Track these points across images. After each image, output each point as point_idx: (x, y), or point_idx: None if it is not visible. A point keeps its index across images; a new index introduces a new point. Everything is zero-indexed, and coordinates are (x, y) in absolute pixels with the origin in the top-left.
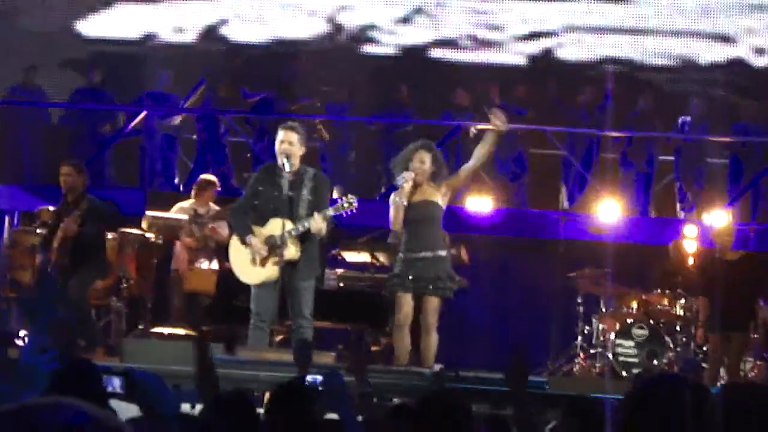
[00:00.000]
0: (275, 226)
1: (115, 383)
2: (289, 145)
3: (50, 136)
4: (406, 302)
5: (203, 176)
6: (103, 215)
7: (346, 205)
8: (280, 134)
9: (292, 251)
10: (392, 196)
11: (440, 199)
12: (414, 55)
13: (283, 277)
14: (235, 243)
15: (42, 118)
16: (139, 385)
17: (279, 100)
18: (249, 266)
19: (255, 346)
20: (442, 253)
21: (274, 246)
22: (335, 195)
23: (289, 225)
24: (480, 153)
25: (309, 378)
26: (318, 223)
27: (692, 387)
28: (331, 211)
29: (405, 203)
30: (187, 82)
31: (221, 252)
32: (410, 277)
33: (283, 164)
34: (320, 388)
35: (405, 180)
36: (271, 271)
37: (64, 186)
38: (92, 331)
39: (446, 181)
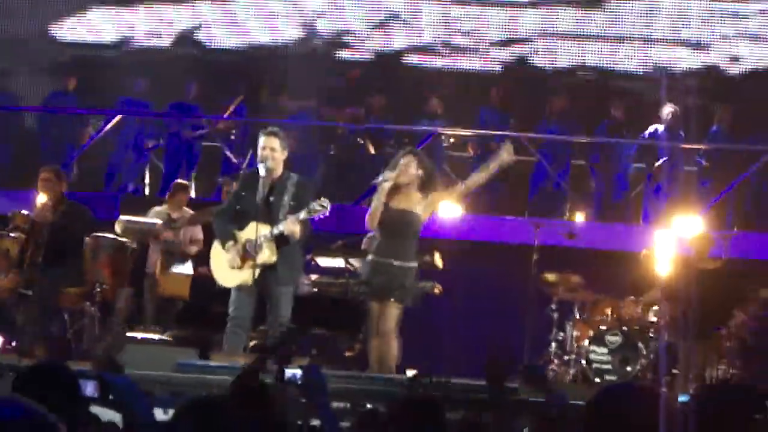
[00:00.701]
0: (252, 231)
1: (89, 388)
2: (270, 150)
3: (22, 140)
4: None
5: (177, 181)
6: (83, 217)
7: (318, 208)
8: (262, 140)
9: (266, 255)
10: (374, 196)
11: (421, 209)
12: (388, 61)
13: (260, 282)
14: (216, 246)
15: (14, 123)
16: (113, 390)
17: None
18: (227, 270)
19: (230, 351)
20: (412, 264)
21: (249, 250)
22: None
23: (265, 229)
24: (478, 177)
25: (288, 373)
26: (291, 226)
27: (651, 395)
28: (303, 214)
29: (383, 202)
30: (161, 88)
31: (195, 257)
32: (375, 284)
33: (265, 170)
34: (299, 383)
35: (385, 179)
36: (248, 274)
37: (44, 192)
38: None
39: (436, 192)
